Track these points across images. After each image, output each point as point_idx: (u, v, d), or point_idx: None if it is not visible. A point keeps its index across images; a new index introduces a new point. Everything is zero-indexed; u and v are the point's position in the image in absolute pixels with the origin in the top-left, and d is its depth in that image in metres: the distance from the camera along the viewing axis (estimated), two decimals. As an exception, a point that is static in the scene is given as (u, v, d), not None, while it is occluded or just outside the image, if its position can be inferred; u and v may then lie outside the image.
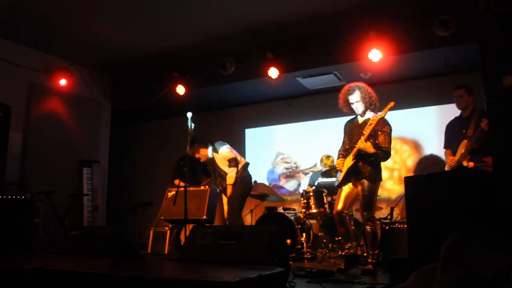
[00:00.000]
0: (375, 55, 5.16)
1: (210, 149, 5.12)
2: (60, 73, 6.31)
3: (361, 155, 3.78)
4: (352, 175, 3.84)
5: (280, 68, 5.76)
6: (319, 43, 5.68)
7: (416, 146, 6.08)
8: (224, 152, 5.01)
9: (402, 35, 5.16)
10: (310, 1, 4.96)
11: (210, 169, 5.41)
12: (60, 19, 5.32)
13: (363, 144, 3.69)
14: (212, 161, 5.18)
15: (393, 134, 3.88)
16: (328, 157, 5.97)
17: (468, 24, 4.71)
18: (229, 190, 4.84)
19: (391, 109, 3.72)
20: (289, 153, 7.15)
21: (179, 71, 6.45)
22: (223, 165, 5.02)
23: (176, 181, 5.83)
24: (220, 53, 6.16)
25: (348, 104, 3.94)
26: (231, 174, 4.87)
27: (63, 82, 6.33)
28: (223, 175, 5.07)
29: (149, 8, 5.08)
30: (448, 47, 5.06)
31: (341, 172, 3.91)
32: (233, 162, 4.91)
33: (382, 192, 5.99)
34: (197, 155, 5.21)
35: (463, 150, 3.99)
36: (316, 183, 5.81)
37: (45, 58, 6.25)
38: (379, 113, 3.80)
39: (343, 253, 3.97)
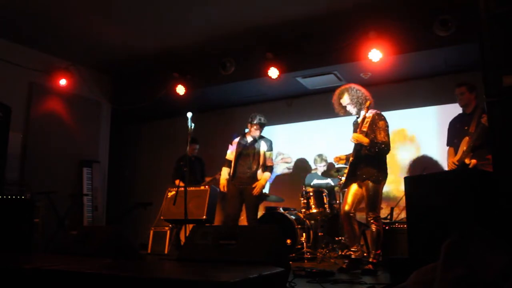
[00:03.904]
0: (375, 55, 5.16)
1: (262, 143, 4.96)
2: (60, 73, 6.32)
3: (360, 154, 3.80)
4: (354, 175, 3.85)
5: (280, 68, 5.76)
6: (319, 43, 5.67)
7: (416, 146, 6.08)
8: (270, 154, 4.99)
9: (402, 35, 5.16)
10: (310, 1, 4.96)
11: (247, 158, 4.92)
12: (60, 19, 5.32)
13: (356, 135, 3.74)
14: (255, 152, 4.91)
15: (393, 134, 3.88)
16: (320, 155, 5.95)
17: (468, 24, 4.71)
18: (257, 191, 4.76)
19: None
20: (289, 153, 7.14)
21: (179, 71, 6.45)
22: (257, 162, 4.87)
23: (176, 181, 5.84)
24: (220, 53, 6.16)
25: (343, 107, 3.99)
26: (265, 176, 4.87)
27: (63, 82, 6.33)
28: (248, 173, 4.86)
29: (149, 8, 5.09)
30: (448, 47, 5.05)
31: (338, 170, 3.93)
32: (269, 169, 4.93)
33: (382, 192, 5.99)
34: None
35: (465, 148, 3.95)
36: (312, 184, 5.81)
37: (45, 58, 6.26)
38: (374, 111, 3.84)
39: (347, 253, 3.96)
